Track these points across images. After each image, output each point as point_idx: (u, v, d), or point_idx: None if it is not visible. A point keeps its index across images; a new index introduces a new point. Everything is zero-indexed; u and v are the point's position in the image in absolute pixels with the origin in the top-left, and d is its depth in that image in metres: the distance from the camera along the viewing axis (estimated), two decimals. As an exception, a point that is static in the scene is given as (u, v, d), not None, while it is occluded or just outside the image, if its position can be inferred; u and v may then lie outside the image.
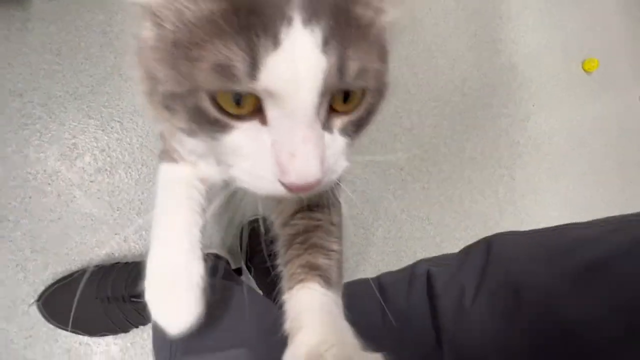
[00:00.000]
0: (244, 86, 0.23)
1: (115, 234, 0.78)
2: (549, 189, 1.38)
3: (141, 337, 0.77)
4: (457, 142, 1.21)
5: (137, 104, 0.81)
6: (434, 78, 1.20)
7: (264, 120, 0.25)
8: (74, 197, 0.76)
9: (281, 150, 0.25)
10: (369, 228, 1.04)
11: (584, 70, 1.56)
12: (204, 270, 0.36)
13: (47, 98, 0.77)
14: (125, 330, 0.74)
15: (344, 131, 0.28)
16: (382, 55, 0.27)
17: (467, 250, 0.49)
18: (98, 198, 0.78)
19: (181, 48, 0.24)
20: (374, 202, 1.06)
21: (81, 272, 0.72)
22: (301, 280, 0.37)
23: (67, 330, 0.72)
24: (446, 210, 1.16)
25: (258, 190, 0.28)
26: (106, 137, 0.80)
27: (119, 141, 0.80)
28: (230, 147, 0.26)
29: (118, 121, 0.81)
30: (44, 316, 0.70)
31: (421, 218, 1.12)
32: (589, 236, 0.37)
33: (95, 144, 0.79)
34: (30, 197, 0.74)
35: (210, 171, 0.37)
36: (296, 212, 0.41)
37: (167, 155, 0.40)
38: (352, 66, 0.24)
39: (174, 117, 0.27)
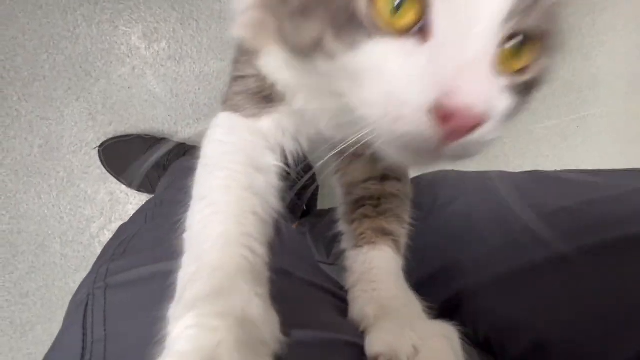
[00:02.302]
0: None
1: (169, 115, 0.92)
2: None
3: (167, 203, 0.93)
4: (487, 137, 1.26)
5: (216, 10, 0.91)
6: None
7: (424, 37, 0.21)
8: (145, 73, 0.90)
9: (447, 64, 0.20)
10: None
11: (645, 109, 1.51)
12: None
13: (144, -19, 0.87)
14: (158, 193, 0.91)
15: (510, 90, 0.23)
16: None
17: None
18: (163, 81, 0.91)
19: None
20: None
21: (136, 136, 0.88)
22: (373, 242, 0.36)
23: (114, 177, 0.89)
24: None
25: (390, 126, 0.21)
26: (182, 31, 0.91)
27: (192, 37, 0.91)
28: (368, 64, 0.21)
29: (195, 20, 0.91)
30: (101, 161, 0.87)
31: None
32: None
33: (172, 34, 0.90)
34: (111, 63, 0.87)
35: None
36: (367, 179, 0.39)
37: (231, 104, 0.35)
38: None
39: (305, 24, 0.23)
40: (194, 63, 0.92)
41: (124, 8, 0.87)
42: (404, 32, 0.21)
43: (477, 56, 0.20)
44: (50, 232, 0.89)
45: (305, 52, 0.24)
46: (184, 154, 0.87)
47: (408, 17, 0.20)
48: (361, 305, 0.32)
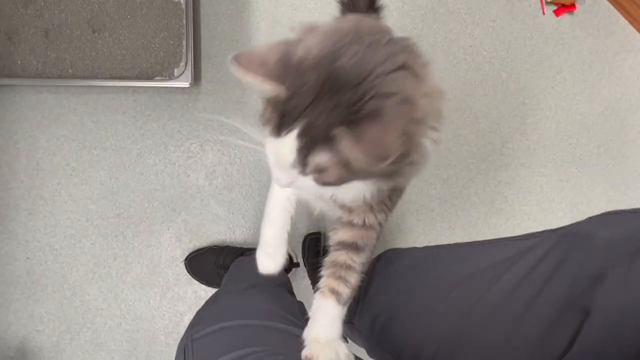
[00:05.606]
0: (273, 134, 0.42)
1: (228, 228, 1.27)
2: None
3: (235, 294, 1.24)
4: (489, 194, 1.45)
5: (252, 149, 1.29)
6: (474, 139, 1.46)
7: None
8: (209, 203, 1.27)
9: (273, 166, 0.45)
10: (398, 252, 1.37)
11: (646, 137, 1.60)
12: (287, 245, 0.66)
13: (203, 141, 1.28)
14: (227, 287, 1.22)
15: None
16: None
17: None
18: (222, 205, 1.27)
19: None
20: (405, 233, 1.39)
21: (208, 248, 1.22)
22: (324, 294, 0.59)
23: (197, 280, 1.22)
24: (468, 248, 1.42)
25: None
26: (231, 168, 1.29)
27: (237, 171, 1.29)
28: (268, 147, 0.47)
29: (239, 158, 1.29)
30: (187, 270, 1.22)
31: (445, 251, 1.41)
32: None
33: (224, 171, 1.29)
34: (187, 200, 1.26)
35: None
36: (342, 242, 0.61)
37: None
38: (312, 161, 0.41)
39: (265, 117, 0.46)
40: (242, 187, 1.29)
41: (192, 162, 1.27)
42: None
43: (282, 165, 0.43)
44: (157, 327, 1.22)
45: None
46: (241, 254, 1.19)
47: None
48: (307, 331, 0.57)
